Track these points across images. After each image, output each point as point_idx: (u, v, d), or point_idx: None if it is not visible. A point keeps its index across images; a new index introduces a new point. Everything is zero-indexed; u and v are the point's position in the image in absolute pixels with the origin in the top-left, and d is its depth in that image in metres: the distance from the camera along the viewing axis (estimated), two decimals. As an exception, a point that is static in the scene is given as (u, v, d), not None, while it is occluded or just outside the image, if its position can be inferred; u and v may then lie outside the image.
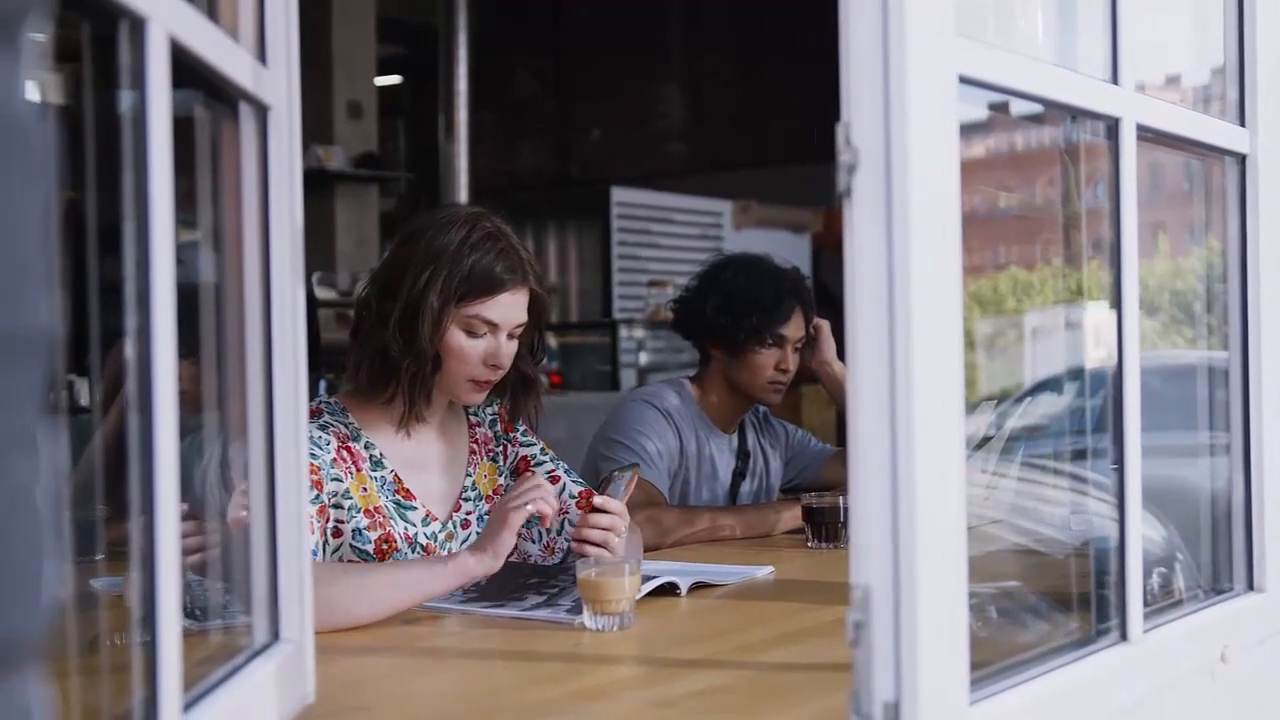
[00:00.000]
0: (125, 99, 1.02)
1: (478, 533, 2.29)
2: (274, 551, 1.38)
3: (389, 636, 1.88)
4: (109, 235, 1.02)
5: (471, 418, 2.40)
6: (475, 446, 2.38)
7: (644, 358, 7.50)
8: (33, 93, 0.61)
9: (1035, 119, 1.76)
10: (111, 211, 1.02)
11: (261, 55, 1.36)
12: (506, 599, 2.04)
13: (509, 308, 2.21)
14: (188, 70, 1.11)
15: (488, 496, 2.36)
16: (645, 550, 2.64)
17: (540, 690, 1.61)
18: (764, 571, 2.39)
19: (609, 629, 1.87)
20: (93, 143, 1.06)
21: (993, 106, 1.51)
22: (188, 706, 1.09)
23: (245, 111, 1.34)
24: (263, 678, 1.29)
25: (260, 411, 1.37)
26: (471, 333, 2.19)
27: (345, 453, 2.18)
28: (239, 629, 1.39)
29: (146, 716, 1.01)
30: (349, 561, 2.15)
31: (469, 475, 2.35)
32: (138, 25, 1.00)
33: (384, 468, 2.23)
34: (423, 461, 2.29)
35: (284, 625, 1.39)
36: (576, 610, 1.92)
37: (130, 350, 1.01)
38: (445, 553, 2.23)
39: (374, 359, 2.20)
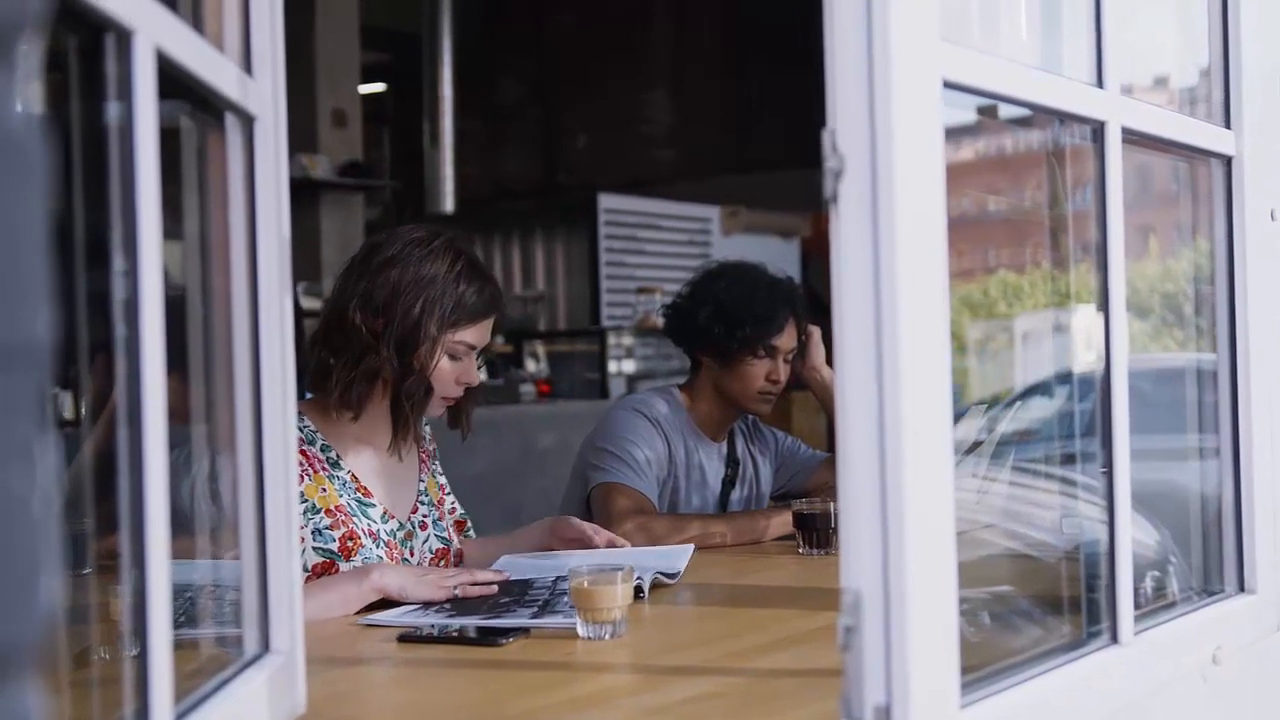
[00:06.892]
0: (112, 110, 1.01)
1: (435, 535, 2.44)
2: (264, 563, 1.38)
3: (379, 647, 1.88)
4: (94, 246, 1.02)
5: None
6: (424, 457, 2.51)
7: (633, 365, 7.49)
8: (28, 105, 0.62)
9: (1023, 122, 1.76)
10: (97, 222, 1.02)
11: (247, 66, 1.35)
12: (498, 615, 2.02)
13: (487, 332, 2.37)
14: (173, 81, 1.11)
15: (436, 503, 2.49)
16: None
17: (534, 699, 1.60)
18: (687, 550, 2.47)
19: (601, 637, 1.86)
20: (79, 153, 1.05)
21: (981, 110, 1.51)
22: (179, 718, 1.08)
23: (231, 122, 1.34)
24: (254, 689, 1.29)
25: (249, 423, 1.37)
26: (453, 356, 2.33)
27: (300, 456, 2.22)
28: (228, 639, 1.39)
29: (138, 729, 1.00)
30: (313, 565, 2.22)
31: (421, 481, 2.47)
32: (124, 37, 1.00)
33: (342, 469, 2.32)
34: (380, 468, 2.39)
35: (274, 636, 1.39)
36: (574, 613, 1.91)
37: (119, 362, 1.01)
38: (406, 551, 2.37)
39: (364, 380, 2.29)
